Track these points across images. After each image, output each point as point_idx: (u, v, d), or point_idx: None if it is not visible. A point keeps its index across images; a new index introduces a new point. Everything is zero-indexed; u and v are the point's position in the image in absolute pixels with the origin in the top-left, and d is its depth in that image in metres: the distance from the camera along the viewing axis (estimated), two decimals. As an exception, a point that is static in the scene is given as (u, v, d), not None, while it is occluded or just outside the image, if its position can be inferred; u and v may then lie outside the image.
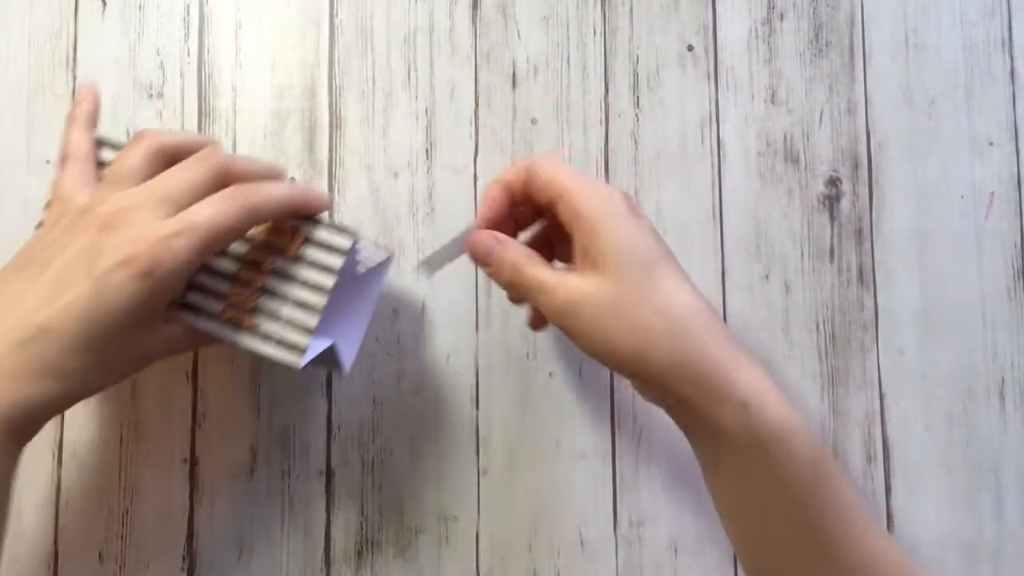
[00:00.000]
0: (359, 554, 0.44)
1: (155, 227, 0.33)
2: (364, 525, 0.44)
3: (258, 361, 0.44)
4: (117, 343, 0.33)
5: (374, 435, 0.44)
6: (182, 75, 0.46)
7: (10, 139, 0.46)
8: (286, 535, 0.44)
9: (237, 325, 0.36)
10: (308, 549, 0.44)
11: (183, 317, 0.36)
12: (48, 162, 0.46)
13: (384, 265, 0.42)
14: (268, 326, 0.36)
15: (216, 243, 0.34)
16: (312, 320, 0.36)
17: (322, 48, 0.47)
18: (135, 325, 0.33)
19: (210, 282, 0.36)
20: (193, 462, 0.44)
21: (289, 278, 0.36)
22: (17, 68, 0.46)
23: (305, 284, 0.36)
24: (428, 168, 0.46)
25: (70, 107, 0.39)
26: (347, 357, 0.40)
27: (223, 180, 0.35)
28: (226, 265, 0.37)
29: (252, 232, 0.37)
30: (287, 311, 0.36)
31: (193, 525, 0.44)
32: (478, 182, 0.46)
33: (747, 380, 0.33)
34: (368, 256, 0.40)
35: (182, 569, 0.44)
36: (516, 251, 0.37)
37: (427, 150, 0.46)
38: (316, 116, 0.46)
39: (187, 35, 0.47)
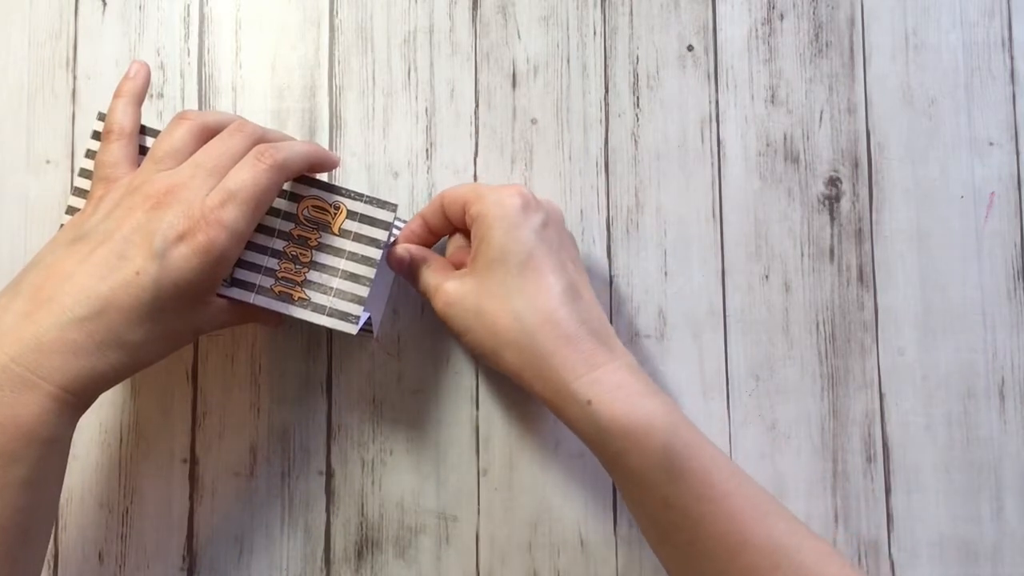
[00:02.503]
0: (359, 554, 0.44)
1: (204, 199, 0.34)
2: (364, 525, 0.44)
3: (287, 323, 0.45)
4: (176, 316, 0.34)
5: (374, 435, 0.44)
6: (182, 75, 0.46)
7: (10, 139, 0.46)
8: (286, 535, 0.44)
9: (288, 298, 0.38)
10: (308, 549, 0.44)
11: (235, 292, 0.38)
12: (48, 162, 0.46)
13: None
14: (319, 298, 0.38)
15: (262, 203, 0.36)
16: (363, 290, 0.38)
17: (322, 48, 0.47)
18: (194, 297, 0.35)
19: (259, 259, 0.38)
20: (193, 462, 0.44)
21: (336, 252, 0.38)
22: (17, 68, 0.46)
23: (352, 257, 0.38)
24: (428, 168, 0.46)
25: (120, 81, 0.39)
26: (376, 321, 0.43)
27: None
28: (274, 242, 0.38)
29: (296, 210, 0.39)
30: (336, 283, 0.38)
31: (193, 525, 0.44)
32: (478, 182, 0.46)
33: (595, 378, 0.36)
34: (396, 225, 0.42)
35: (182, 569, 0.44)
36: (420, 262, 0.41)
37: (427, 150, 0.46)
38: (316, 116, 0.46)
39: (187, 35, 0.47)
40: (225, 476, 0.44)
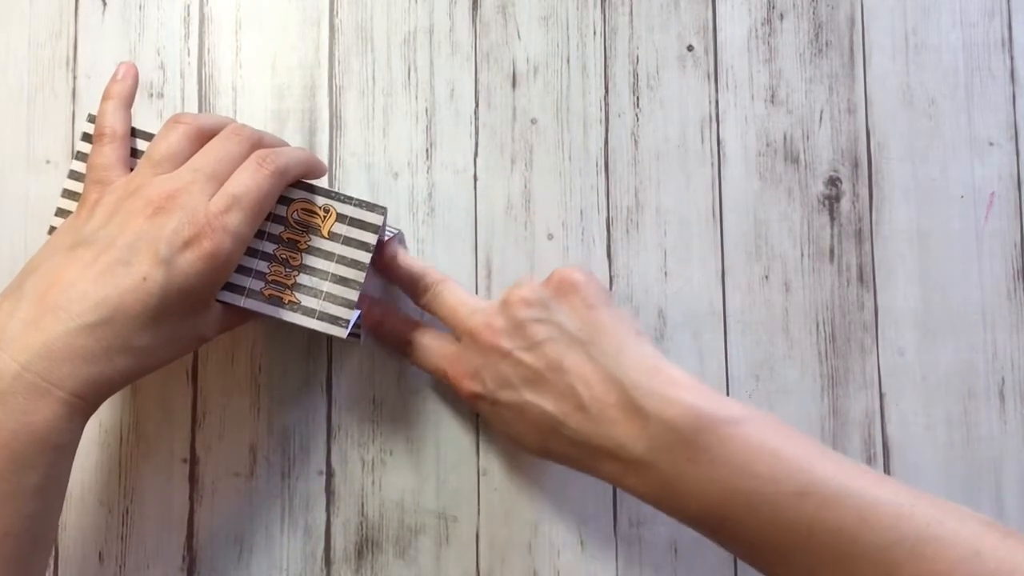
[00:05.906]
0: (359, 554, 0.44)
1: (208, 205, 0.34)
2: (364, 525, 0.44)
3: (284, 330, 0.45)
4: (180, 321, 0.35)
5: (374, 435, 0.44)
6: (182, 75, 0.46)
7: (10, 139, 0.46)
8: (286, 535, 0.44)
9: (279, 301, 0.38)
10: (308, 549, 0.44)
11: (225, 296, 0.37)
12: (48, 162, 0.46)
13: (394, 239, 0.43)
14: (309, 301, 0.38)
15: (264, 209, 0.36)
16: (352, 294, 0.38)
17: (322, 48, 0.47)
18: (198, 302, 0.35)
19: (249, 262, 0.38)
20: (193, 462, 0.44)
21: (326, 255, 0.38)
22: (17, 68, 0.46)
23: (342, 260, 0.38)
24: (428, 168, 0.46)
25: (107, 83, 0.39)
26: (364, 326, 0.43)
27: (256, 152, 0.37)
28: (263, 245, 0.38)
29: (286, 213, 0.38)
30: (326, 287, 0.38)
31: (193, 525, 0.44)
32: (478, 182, 0.46)
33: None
34: (389, 230, 0.42)
35: (182, 569, 0.44)
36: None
37: (427, 150, 0.46)
38: (316, 116, 0.46)
39: (187, 35, 0.47)
40: (225, 476, 0.44)
